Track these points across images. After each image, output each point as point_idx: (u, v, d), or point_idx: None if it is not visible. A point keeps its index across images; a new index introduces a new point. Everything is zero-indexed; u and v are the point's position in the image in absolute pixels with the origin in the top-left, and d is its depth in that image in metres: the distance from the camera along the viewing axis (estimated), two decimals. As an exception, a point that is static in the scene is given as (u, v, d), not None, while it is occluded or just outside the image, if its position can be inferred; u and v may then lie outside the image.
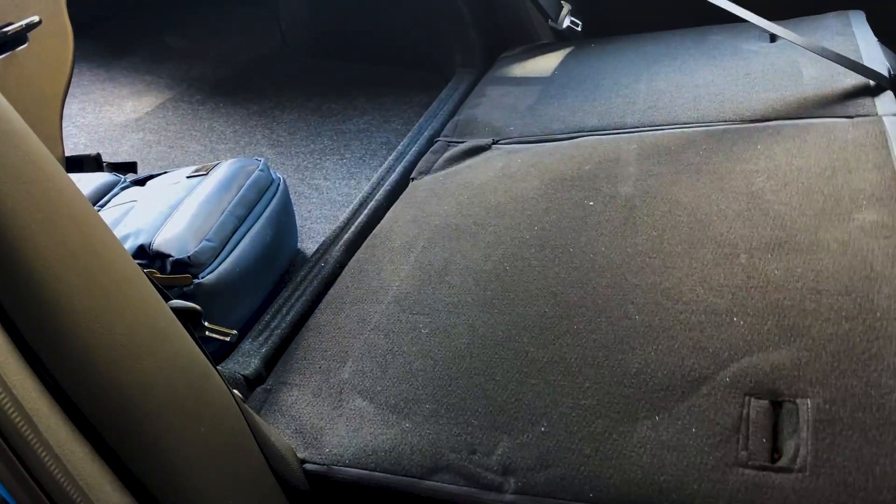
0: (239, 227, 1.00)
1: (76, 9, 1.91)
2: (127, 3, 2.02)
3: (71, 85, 1.70)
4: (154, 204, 1.01)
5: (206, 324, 0.66)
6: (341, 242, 1.11)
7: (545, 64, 1.50)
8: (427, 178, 1.21)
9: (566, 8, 1.62)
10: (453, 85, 1.59)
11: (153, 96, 1.66)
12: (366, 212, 1.19)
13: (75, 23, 1.88)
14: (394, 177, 1.28)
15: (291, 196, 1.34)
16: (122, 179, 1.15)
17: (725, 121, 1.12)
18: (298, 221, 1.28)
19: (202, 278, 0.91)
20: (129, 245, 0.92)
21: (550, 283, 0.87)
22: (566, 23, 1.61)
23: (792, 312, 0.74)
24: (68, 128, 1.52)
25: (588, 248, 0.91)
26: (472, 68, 1.64)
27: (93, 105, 1.61)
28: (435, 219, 1.07)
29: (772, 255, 0.82)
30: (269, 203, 1.08)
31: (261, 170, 1.10)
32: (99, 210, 1.07)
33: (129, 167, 1.38)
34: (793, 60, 1.22)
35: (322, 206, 1.33)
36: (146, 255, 0.91)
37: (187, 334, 0.63)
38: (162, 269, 0.90)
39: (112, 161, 1.40)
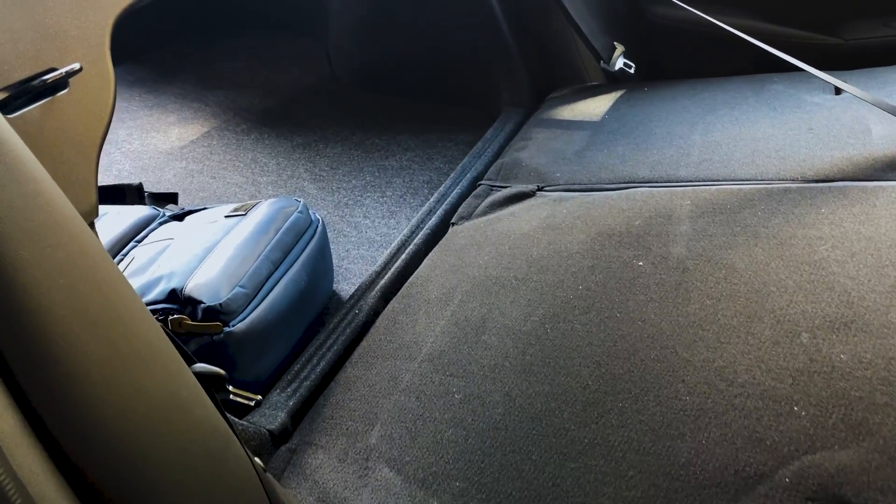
0: (273, 272, 0.98)
1: (129, 33, 1.94)
2: (179, 29, 2.05)
3: (119, 110, 1.73)
4: (190, 244, 0.99)
5: (230, 388, 0.63)
6: (377, 289, 1.08)
7: (595, 107, 1.46)
8: (468, 223, 1.18)
9: (619, 49, 1.58)
10: (499, 124, 1.56)
11: (199, 124, 1.67)
12: (403, 256, 1.16)
13: (128, 47, 1.91)
14: (434, 220, 1.25)
15: (330, 234, 1.31)
16: (161, 213, 1.14)
17: (786, 179, 1.06)
18: (335, 261, 1.26)
19: (233, 326, 0.89)
20: (162, 288, 0.90)
21: (595, 351, 0.82)
22: (619, 64, 1.57)
23: (860, 406, 0.67)
24: (114, 154, 1.54)
25: (636, 315, 0.86)
26: (519, 108, 1.60)
27: (139, 131, 1.63)
28: (474, 269, 1.03)
29: (837, 336, 0.76)
30: (306, 247, 1.06)
31: (300, 211, 1.08)
32: (136, 245, 1.06)
33: (171, 198, 1.38)
34: (860, 116, 1.16)
35: (360, 245, 1.30)
36: (178, 300, 0.89)
37: (209, 401, 0.60)
38: (193, 315, 0.88)
39: (154, 191, 1.40)
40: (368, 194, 1.45)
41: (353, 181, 1.49)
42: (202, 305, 0.88)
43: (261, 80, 1.87)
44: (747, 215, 0.99)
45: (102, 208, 1.15)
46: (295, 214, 1.07)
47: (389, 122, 1.70)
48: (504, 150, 1.41)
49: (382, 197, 1.44)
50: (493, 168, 1.34)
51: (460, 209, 1.23)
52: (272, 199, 1.10)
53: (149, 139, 1.60)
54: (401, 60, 1.77)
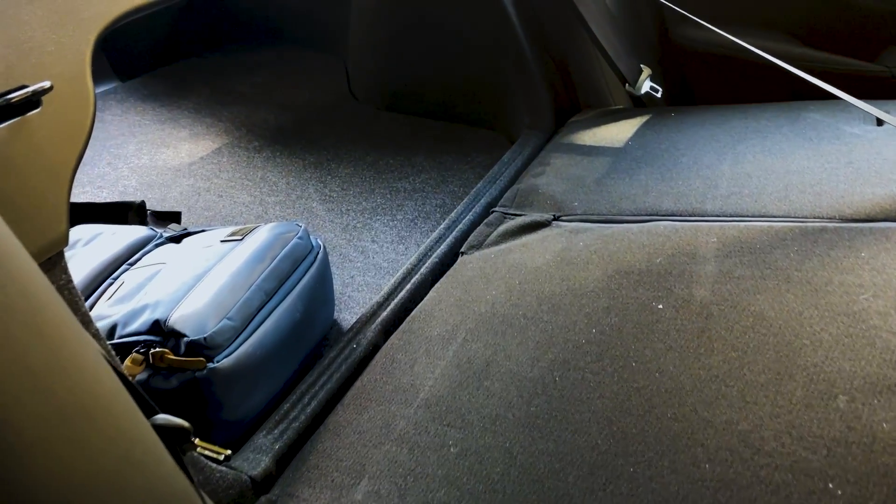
0: (266, 302, 0.92)
1: (146, 45, 1.93)
2: (198, 42, 2.02)
3: (131, 124, 1.70)
4: (180, 270, 0.94)
5: (196, 441, 0.57)
6: (378, 321, 1.02)
7: (618, 132, 1.39)
8: (478, 253, 1.11)
9: (646, 72, 1.51)
10: (518, 148, 1.50)
11: (210, 140, 1.63)
12: (408, 286, 1.10)
13: (145, 59, 1.90)
14: (443, 248, 1.18)
15: (335, 258, 1.26)
16: (158, 235, 1.09)
17: (822, 217, 0.98)
18: (339, 288, 1.20)
19: (218, 362, 0.83)
20: (146, 318, 0.85)
21: (606, 405, 0.75)
22: (645, 88, 1.50)
23: (906, 486, 0.59)
24: (121, 169, 1.50)
25: (653, 365, 0.78)
26: (539, 131, 1.54)
27: (149, 146, 1.59)
28: (481, 305, 0.96)
29: (879, 400, 0.68)
30: (304, 275, 1.00)
31: (299, 237, 1.02)
32: (127, 269, 1.01)
33: (174, 217, 1.33)
34: (905, 150, 1.07)
35: (366, 271, 1.25)
36: (161, 332, 0.84)
37: (170, 458, 0.54)
38: (176, 349, 0.83)
39: (157, 209, 1.36)
40: (378, 217, 1.39)
41: (364, 203, 1.43)
42: (185, 339, 0.82)
43: (277, 97, 1.83)
44: (779, 256, 0.91)
45: (97, 228, 1.11)
46: (294, 240, 1.01)
47: (405, 142, 1.65)
48: (521, 176, 1.35)
49: (393, 220, 1.38)
50: (508, 194, 1.27)
51: (471, 237, 1.16)
52: (272, 224, 1.05)
53: (158, 154, 1.57)
54: (419, 80, 1.72)
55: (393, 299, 1.07)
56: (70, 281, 0.67)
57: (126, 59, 1.85)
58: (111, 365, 0.55)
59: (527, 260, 1.05)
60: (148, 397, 0.56)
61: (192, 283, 0.90)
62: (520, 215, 1.19)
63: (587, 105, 1.59)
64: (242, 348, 0.86)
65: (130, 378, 0.83)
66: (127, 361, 0.82)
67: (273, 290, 0.94)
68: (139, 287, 0.94)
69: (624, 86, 1.52)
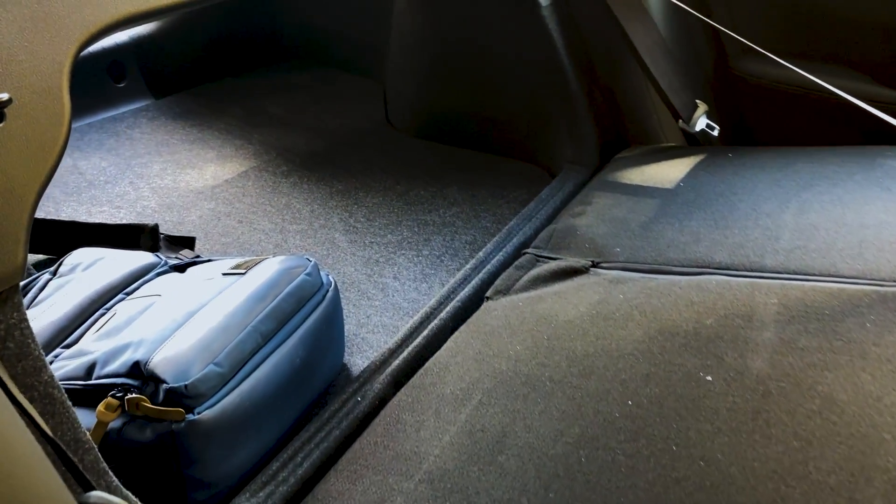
0: (262, 346, 0.83)
1: (182, 63, 1.90)
2: (235, 62, 1.99)
3: (159, 143, 1.66)
4: (173, 305, 0.86)
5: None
6: (388, 371, 0.92)
7: (669, 172, 1.27)
8: (504, 300, 1.00)
9: (702, 108, 1.39)
10: (557, 184, 1.39)
11: (237, 162, 1.57)
12: (426, 333, 0.99)
13: (180, 78, 1.86)
14: (467, 291, 1.08)
15: (353, 294, 1.17)
16: (162, 262, 1.02)
17: (905, 281, 0.84)
18: (352, 328, 1.11)
19: (198, 414, 0.74)
20: (126, 358, 0.77)
21: (640, 497, 0.63)
22: (700, 125, 1.38)
23: None
24: (142, 189, 1.45)
25: (698, 450, 0.66)
26: (582, 166, 1.43)
27: (174, 167, 1.54)
28: (502, 361, 0.85)
29: (985, 523, 0.54)
30: (309, 316, 0.91)
31: (307, 273, 0.93)
32: (123, 299, 0.93)
33: (187, 243, 1.27)
34: None
35: (384, 311, 1.15)
36: (140, 375, 0.75)
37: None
38: (154, 396, 0.74)
39: (172, 233, 1.29)
40: (403, 252, 1.30)
41: (389, 236, 1.34)
42: (164, 386, 0.73)
43: (310, 120, 1.77)
44: (852, 326, 0.78)
45: (99, 252, 1.04)
46: (301, 277, 0.92)
47: (438, 172, 1.56)
48: (558, 215, 1.24)
49: (418, 256, 1.29)
50: (543, 234, 1.17)
51: (498, 281, 1.05)
52: (281, 258, 0.96)
53: (182, 175, 1.51)
54: (457, 107, 1.63)
55: (407, 346, 0.97)
56: (23, 320, 0.59)
57: (161, 77, 1.82)
58: (38, 429, 0.46)
59: (558, 311, 0.93)
60: (83, 468, 0.47)
61: (182, 320, 0.82)
62: (554, 259, 1.08)
63: (636, 141, 1.48)
64: (229, 398, 0.77)
65: (104, 425, 0.74)
66: (100, 406, 0.73)
67: (271, 331, 0.85)
68: (129, 321, 0.86)
69: (677, 122, 1.41)
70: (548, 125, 1.50)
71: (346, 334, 1.09)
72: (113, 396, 0.74)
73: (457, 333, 0.95)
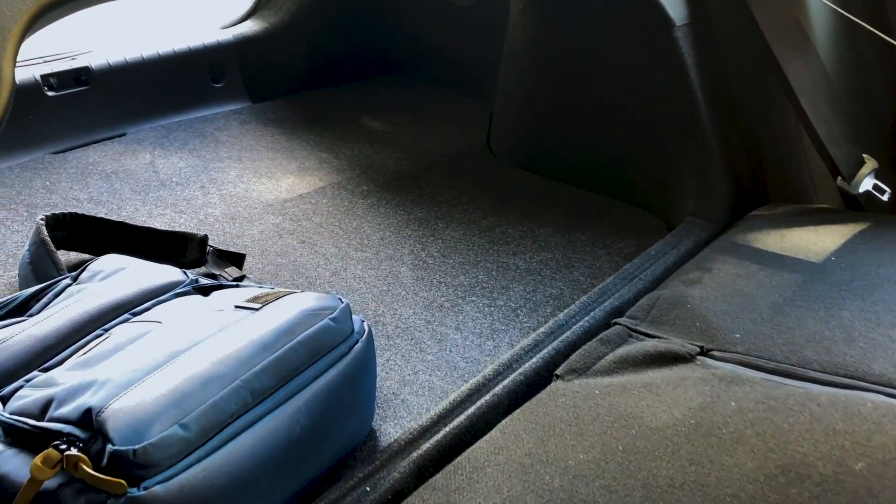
0: (252, 407, 0.66)
1: (285, 69, 1.82)
2: (339, 73, 1.88)
3: (243, 149, 1.57)
4: (164, 339, 0.71)
5: None
6: (413, 457, 0.73)
7: (818, 241, 1.00)
8: (578, 382, 0.78)
9: (870, 165, 1.11)
10: (673, 239, 1.15)
11: (317, 177, 1.44)
12: (472, 410, 0.79)
13: (280, 84, 1.78)
14: (535, 362, 0.87)
15: (404, 343, 0.99)
16: (188, 281, 0.89)
17: None
18: (394, 385, 0.92)
19: (144, 489, 0.57)
20: (81, 401, 0.62)
21: None
22: (865, 185, 1.10)
23: None
24: (211, 195, 1.35)
25: None
26: (706, 221, 1.18)
27: (251, 175, 1.44)
28: (555, 475, 0.64)
29: None
30: (325, 372, 0.73)
31: (333, 318, 0.76)
32: (128, 319, 0.80)
33: (236, 260, 1.14)
34: None
35: (435, 369, 0.96)
36: (89, 427, 0.60)
37: None
38: (100, 457, 0.59)
39: (223, 248, 1.17)
40: (474, 299, 1.10)
41: (462, 277, 1.15)
42: (110, 447, 0.58)
43: (405, 139, 1.63)
44: None
45: (125, 261, 0.92)
46: (324, 322, 0.75)
47: (534, 209, 1.35)
48: (668, 278, 1.00)
49: (490, 306, 1.09)
50: (643, 301, 0.93)
51: (576, 356, 0.84)
52: (310, 294, 0.80)
53: (256, 185, 1.40)
54: (566, 138, 1.42)
55: (445, 425, 0.77)
56: None
57: (260, 81, 1.74)
58: None
59: (645, 412, 0.70)
60: None
61: (162, 361, 0.67)
62: (652, 336, 0.85)
63: (778, 197, 1.21)
64: (191, 472, 0.60)
65: (37, 483, 0.59)
66: (37, 460, 0.59)
67: (267, 389, 0.68)
68: (113, 350, 0.72)
69: (835, 179, 1.13)
70: (670, 167, 1.26)
71: (384, 392, 0.91)
72: (56, 448, 0.60)
73: (509, 419, 0.74)
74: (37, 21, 0.54)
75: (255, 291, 0.83)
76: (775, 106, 1.19)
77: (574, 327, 0.93)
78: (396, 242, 1.25)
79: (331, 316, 0.76)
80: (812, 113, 1.13)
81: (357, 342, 0.78)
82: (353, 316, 0.81)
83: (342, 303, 0.79)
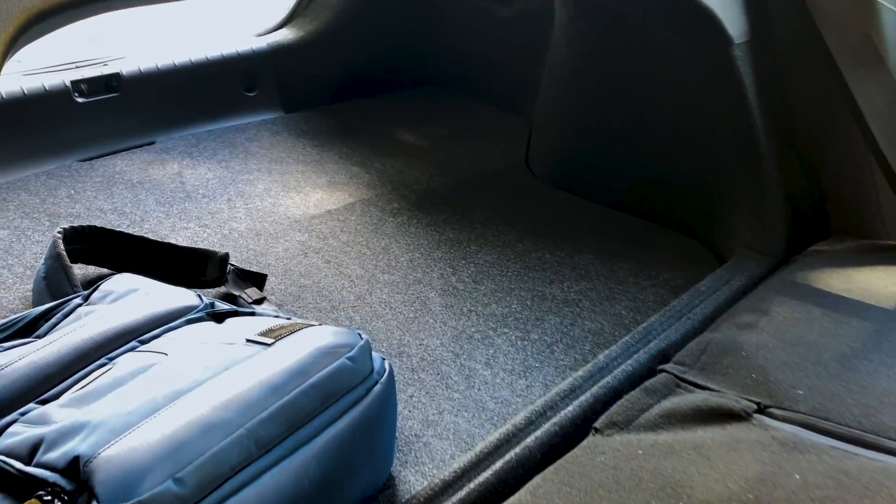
0: (256, 458, 0.60)
1: (321, 79, 1.76)
2: (374, 84, 1.83)
3: (273, 160, 1.52)
4: (168, 375, 0.66)
5: None
6: (431, 517, 0.65)
7: (889, 283, 0.91)
8: (619, 438, 0.71)
9: (949, 199, 1.00)
10: (725, 273, 1.06)
11: (347, 192, 1.39)
12: (499, 464, 0.72)
13: (318, 93, 1.73)
14: (572, 410, 0.79)
15: (429, 377, 0.92)
16: (202, 306, 0.83)
17: None
18: (416, 426, 0.85)
19: (129, 554, 0.51)
20: (70, 447, 0.57)
21: None
22: (943, 222, 0.99)
23: None
24: (237, 208, 1.30)
25: None
26: (762, 255, 1.09)
27: (279, 188, 1.39)
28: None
29: None
30: (341, 417, 0.67)
31: (350, 357, 0.69)
32: (136, 347, 0.75)
33: (257, 280, 1.08)
34: None
35: (462, 409, 0.89)
36: (76, 478, 0.54)
37: None
38: (82, 512, 0.53)
39: (243, 266, 1.12)
40: (506, 331, 1.03)
41: (494, 306, 1.08)
42: (95, 504, 0.52)
43: (439, 154, 1.56)
44: None
45: (138, 282, 0.87)
46: (340, 361, 0.69)
47: (573, 234, 1.28)
48: (719, 318, 0.92)
49: (524, 340, 1.01)
50: (693, 345, 0.85)
51: (617, 406, 0.76)
52: (328, 329, 0.74)
53: (284, 199, 1.35)
54: (610, 158, 1.34)
55: (469, 480, 0.70)
56: None
57: (294, 91, 1.70)
58: None
59: (695, 481, 0.62)
60: None
61: (161, 403, 0.61)
62: (703, 388, 0.77)
63: (842, 230, 1.11)
64: (184, 535, 0.54)
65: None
66: (18, 510, 0.53)
67: (274, 438, 0.61)
68: (114, 385, 0.67)
69: (909, 213, 1.03)
70: (723, 194, 1.17)
71: (405, 433, 0.85)
72: (40, 499, 0.54)
73: (541, 478, 0.67)
74: (31, 27, 0.49)
75: (271, 322, 0.77)
76: (841, 131, 1.09)
77: (615, 371, 0.85)
78: (426, 265, 1.18)
79: (348, 354, 0.70)
80: (882, 140, 1.03)
81: (376, 383, 0.71)
82: (374, 353, 0.74)
83: (361, 339, 0.73)
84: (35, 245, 1.17)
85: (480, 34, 1.74)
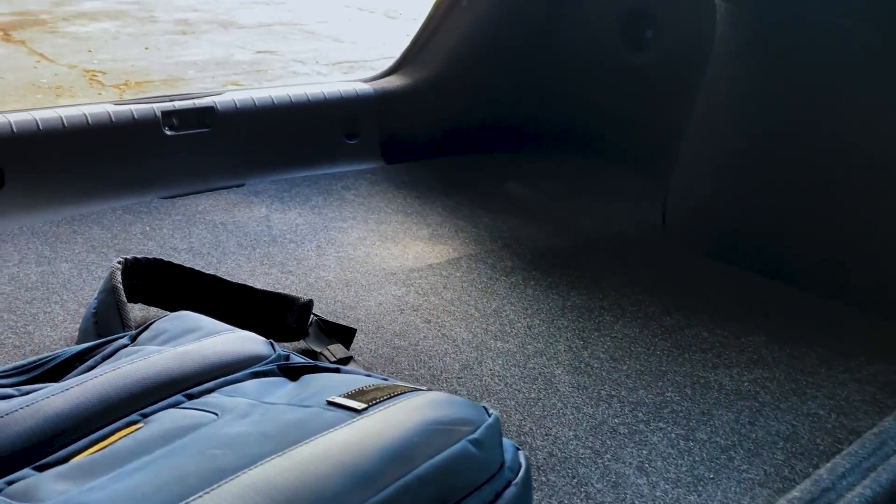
0: None
1: (426, 128, 1.60)
2: (486, 138, 1.66)
3: (371, 210, 1.35)
4: (211, 447, 0.45)
5: None
6: None
7: None
8: None
9: None
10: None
11: (452, 247, 1.19)
12: None
13: (424, 144, 1.58)
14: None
15: (560, 481, 0.69)
16: (269, 358, 0.63)
17: None
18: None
19: None
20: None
21: None
22: None
23: None
24: (328, 256, 1.12)
25: None
26: None
27: (376, 237, 1.20)
28: None
29: None
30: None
31: (474, 440, 0.47)
32: (181, 402, 0.55)
33: (344, 336, 0.88)
34: None
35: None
36: None
37: None
38: None
39: (328, 318, 0.92)
40: (663, 426, 0.77)
41: (642, 392, 0.83)
42: None
43: (558, 213, 1.35)
44: None
45: (196, 320, 0.69)
46: (461, 445, 0.46)
47: (736, 310, 1.02)
48: None
49: (688, 440, 0.75)
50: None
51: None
52: (442, 396, 0.51)
53: (380, 250, 1.16)
54: (780, 221, 1.09)
55: None
56: None
57: (398, 140, 1.55)
58: None
59: None
60: None
61: (193, 486, 0.40)
62: None
63: None
64: None
65: None
66: None
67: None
68: (140, 450, 0.46)
69: None
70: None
71: (533, 561, 0.59)
72: None
73: None
74: None
75: (362, 381, 0.56)
76: None
77: (848, 496, 0.58)
78: (549, 335, 0.95)
79: (471, 436, 0.47)
80: None
81: (509, 484, 0.48)
82: (504, 440, 0.51)
83: (489, 416, 0.50)
84: (97, 282, 1.01)
85: (611, 85, 1.56)
